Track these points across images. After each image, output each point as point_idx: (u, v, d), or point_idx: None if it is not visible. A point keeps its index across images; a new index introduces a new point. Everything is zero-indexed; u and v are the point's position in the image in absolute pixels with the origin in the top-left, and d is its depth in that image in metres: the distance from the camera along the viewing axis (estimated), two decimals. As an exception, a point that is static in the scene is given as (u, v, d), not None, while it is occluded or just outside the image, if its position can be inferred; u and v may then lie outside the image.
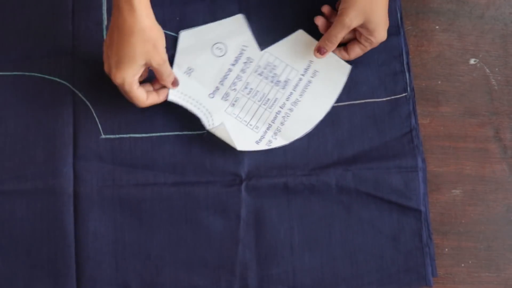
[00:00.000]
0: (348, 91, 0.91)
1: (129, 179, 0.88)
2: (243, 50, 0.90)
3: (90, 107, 0.90)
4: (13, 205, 0.87)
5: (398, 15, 0.93)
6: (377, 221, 0.88)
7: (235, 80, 0.90)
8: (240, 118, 0.89)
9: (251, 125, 0.89)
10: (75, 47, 0.91)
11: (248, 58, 0.90)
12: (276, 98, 0.89)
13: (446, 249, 0.90)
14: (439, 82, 0.94)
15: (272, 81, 0.90)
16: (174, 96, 0.88)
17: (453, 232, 0.91)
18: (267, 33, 0.92)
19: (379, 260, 0.88)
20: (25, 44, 0.91)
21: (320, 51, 0.89)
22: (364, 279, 0.87)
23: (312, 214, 0.88)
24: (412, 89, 0.92)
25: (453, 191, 0.91)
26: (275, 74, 0.90)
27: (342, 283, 0.87)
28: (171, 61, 0.88)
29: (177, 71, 0.89)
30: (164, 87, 0.87)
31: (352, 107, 0.91)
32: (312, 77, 0.90)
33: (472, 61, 0.94)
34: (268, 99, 0.89)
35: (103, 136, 0.89)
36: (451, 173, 0.92)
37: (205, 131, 0.90)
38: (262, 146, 0.88)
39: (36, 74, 0.90)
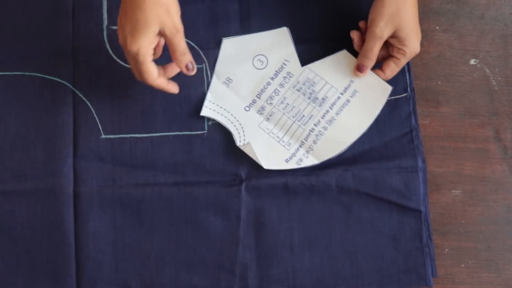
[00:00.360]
0: (348, 91, 0.91)
1: (129, 179, 0.88)
2: (284, 64, 0.90)
3: (90, 107, 0.90)
4: (13, 205, 0.87)
5: (399, 15, 0.93)
6: (377, 221, 0.88)
7: (273, 94, 0.89)
8: (273, 134, 0.89)
9: (283, 141, 0.88)
10: (75, 47, 0.91)
11: (288, 73, 0.89)
12: (312, 115, 0.89)
13: (446, 250, 0.90)
14: (439, 82, 0.94)
15: (309, 98, 0.89)
16: (209, 109, 0.89)
17: (453, 232, 0.91)
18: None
19: (379, 260, 0.88)
20: (25, 44, 0.91)
21: (359, 69, 0.88)
22: (364, 279, 0.87)
23: (312, 214, 0.88)
24: (412, 90, 0.92)
25: (453, 191, 0.91)
26: (313, 90, 0.89)
27: (342, 283, 0.87)
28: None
29: (216, 81, 0.90)
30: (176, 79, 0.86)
31: (352, 107, 0.91)
32: (351, 96, 0.89)
33: (472, 62, 0.94)
34: (303, 116, 0.89)
35: (103, 136, 0.89)
36: (451, 174, 0.92)
37: (205, 131, 0.90)
38: (292, 165, 0.88)
39: (36, 74, 0.90)
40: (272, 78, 0.90)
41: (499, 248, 0.90)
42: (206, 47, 0.91)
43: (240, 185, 0.88)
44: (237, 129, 0.88)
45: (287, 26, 0.92)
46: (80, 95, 0.90)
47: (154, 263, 0.87)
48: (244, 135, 0.88)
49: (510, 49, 0.95)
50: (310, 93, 0.89)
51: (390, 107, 0.91)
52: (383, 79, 0.89)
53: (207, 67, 0.91)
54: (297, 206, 0.88)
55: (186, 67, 0.83)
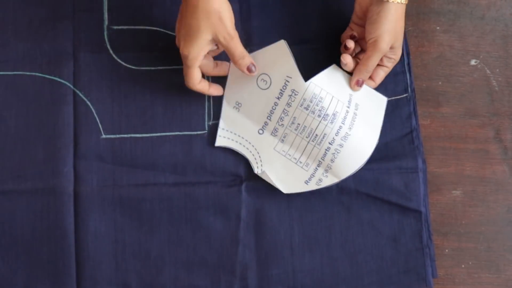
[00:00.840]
0: (349, 91, 0.91)
1: (129, 179, 0.88)
2: (287, 81, 0.87)
3: (91, 107, 0.90)
4: (14, 204, 0.87)
5: (399, 15, 0.93)
6: (377, 221, 0.88)
7: (282, 115, 0.87)
8: (290, 156, 0.88)
9: (300, 162, 0.87)
10: (76, 47, 0.91)
11: (293, 90, 0.87)
12: (325, 134, 0.86)
13: (446, 250, 0.90)
14: (440, 83, 0.94)
15: (319, 116, 0.86)
16: (224, 138, 0.88)
17: (453, 233, 0.91)
18: (268, 34, 0.92)
19: (379, 261, 0.88)
20: (26, 44, 0.91)
21: (359, 83, 0.87)
22: (364, 279, 0.87)
23: (312, 214, 0.88)
24: (413, 90, 0.92)
25: (454, 192, 0.91)
26: (322, 107, 0.86)
27: (342, 283, 0.87)
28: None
29: (227, 106, 0.89)
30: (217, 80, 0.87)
31: (353, 108, 0.91)
32: (355, 109, 0.87)
33: (472, 62, 0.94)
34: (316, 135, 0.87)
35: (103, 136, 0.89)
36: (452, 174, 0.92)
37: (205, 131, 0.90)
38: (312, 186, 0.87)
39: (37, 74, 0.90)
40: (278, 98, 0.88)
41: (499, 248, 0.90)
42: (206, 47, 0.92)
43: (241, 185, 0.88)
44: (253, 155, 0.88)
45: (287, 26, 0.92)
46: (80, 95, 0.90)
47: (154, 263, 0.87)
48: (261, 161, 0.88)
49: (510, 50, 0.95)
50: (320, 110, 0.86)
51: (391, 108, 0.91)
52: (373, 87, 0.89)
53: (208, 67, 0.91)
54: (297, 206, 0.88)
55: (248, 69, 0.85)
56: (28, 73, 0.90)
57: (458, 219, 0.91)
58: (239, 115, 0.88)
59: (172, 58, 0.90)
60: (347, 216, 0.88)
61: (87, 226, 0.87)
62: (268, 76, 0.87)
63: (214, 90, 0.87)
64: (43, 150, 0.88)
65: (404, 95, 0.91)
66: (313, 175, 0.87)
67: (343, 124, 0.87)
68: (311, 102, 0.87)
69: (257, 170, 0.87)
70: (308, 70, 0.90)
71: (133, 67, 0.91)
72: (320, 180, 0.87)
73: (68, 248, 0.87)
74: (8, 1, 0.92)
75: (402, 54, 0.92)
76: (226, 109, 0.89)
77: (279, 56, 0.87)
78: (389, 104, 0.91)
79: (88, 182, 0.88)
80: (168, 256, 0.87)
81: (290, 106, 0.87)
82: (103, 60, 0.90)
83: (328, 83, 0.87)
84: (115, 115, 0.90)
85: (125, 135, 0.89)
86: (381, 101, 0.89)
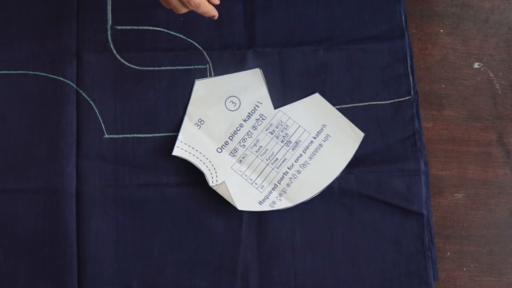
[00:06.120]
0: (352, 93, 0.91)
1: (131, 179, 0.88)
2: (256, 106, 0.89)
3: (94, 106, 0.90)
4: (16, 203, 0.87)
5: (403, 18, 0.93)
6: (379, 224, 0.88)
7: (245, 137, 0.88)
8: (246, 176, 0.88)
9: (256, 183, 0.88)
10: (79, 46, 0.91)
11: (261, 115, 0.89)
12: (285, 159, 0.88)
13: (448, 253, 0.90)
14: (443, 85, 0.94)
15: (282, 141, 0.88)
16: (181, 149, 0.88)
17: (455, 236, 0.90)
18: (272, 35, 0.92)
19: (380, 264, 0.88)
20: (30, 43, 0.91)
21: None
22: (365, 282, 0.87)
23: (314, 216, 0.88)
24: (416, 92, 0.92)
25: (456, 195, 0.91)
26: (286, 134, 0.89)
27: (344, 286, 0.87)
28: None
29: (188, 122, 0.89)
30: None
31: (356, 110, 0.91)
32: (324, 141, 0.89)
33: (476, 65, 0.94)
34: (277, 159, 0.88)
35: (106, 136, 0.89)
36: (454, 177, 0.92)
37: (208, 132, 0.90)
38: (265, 207, 0.87)
39: (40, 73, 0.90)
40: (244, 120, 0.89)
41: (501, 252, 0.90)
42: (210, 48, 0.92)
43: (243, 186, 0.89)
44: (209, 170, 0.88)
45: (291, 28, 0.92)
46: (83, 94, 0.90)
47: (155, 264, 0.87)
48: (216, 176, 0.88)
49: (514, 53, 0.95)
50: (284, 137, 0.88)
51: (394, 110, 0.91)
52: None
53: (211, 68, 0.91)
54: (299, 208, 0.88)
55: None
56: (31, 72, 0.90)
57: (460, 222, 0.91)
58: (200, 132, 0.89)
59: (176, 58, 0.90)
60: (349, 218, 0.88)
61: (89, 225, 0.87)
62: (238, 99, 0.89)
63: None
64: (45, 150, 0.88)
65: (407, 97, 0.91)
66: (267, 197, 0.88)
67: (304, 153, 0.88)
68: (276, 128, 0.89)
69: (212, 184, 0.87)
70: (311, 72, 0.90)
71: (136, 67, 0.91)
72: (274, 202, 0.87)
73: (70, 248, 0.87)
74: (12, 1, 0.92)
75: (405, 56, 0.92)
76: (187, 124, 0.89)
77: (252, 82, 0.89)
78: (391, 106, 0.91)
79: (91, 181, 0.88)
80: (170, 257, 0.87)
81: (256, 129, 0.88)
82: (106, 60, 0.90)
83: (299, 112, 0.89)
84: (118, 115, 0.90)
85: (128, 135, 0.89)
86: (358, 135, 0.89)
